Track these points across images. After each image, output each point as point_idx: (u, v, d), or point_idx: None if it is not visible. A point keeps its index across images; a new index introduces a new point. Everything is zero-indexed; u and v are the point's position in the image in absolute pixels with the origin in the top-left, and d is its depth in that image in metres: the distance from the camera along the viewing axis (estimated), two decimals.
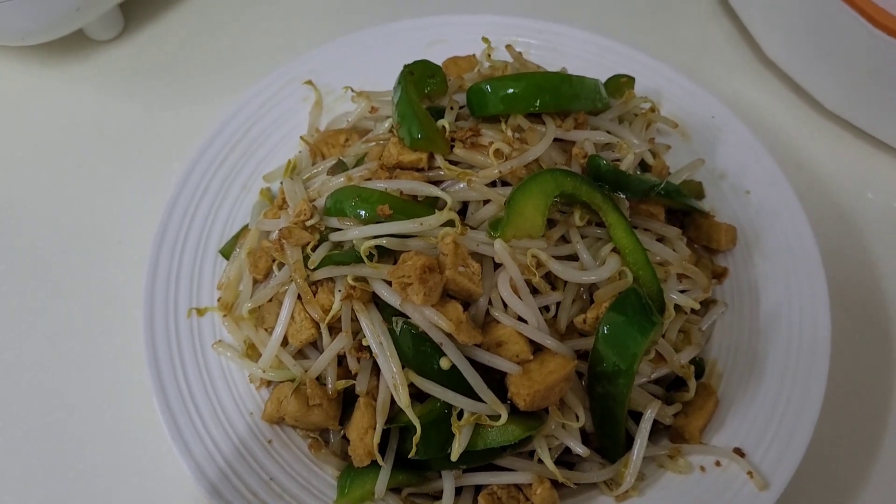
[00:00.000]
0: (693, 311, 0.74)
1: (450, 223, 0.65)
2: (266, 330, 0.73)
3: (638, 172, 0.80)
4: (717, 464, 0.69)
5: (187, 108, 1.00)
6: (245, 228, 0.79)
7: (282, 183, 0.77)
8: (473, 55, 0.87)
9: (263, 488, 0.67)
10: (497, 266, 0.66)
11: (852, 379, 0.81)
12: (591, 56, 0.91)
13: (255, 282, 0.76)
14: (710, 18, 1.05)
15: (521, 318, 0.65)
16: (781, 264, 0.77)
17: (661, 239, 0.75)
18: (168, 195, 0.79)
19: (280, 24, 1.09)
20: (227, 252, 0.78)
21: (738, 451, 0.69)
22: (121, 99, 1.01)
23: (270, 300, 0.73)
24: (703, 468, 0.69)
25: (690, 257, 0.76)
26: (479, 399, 0.63)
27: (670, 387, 0.74)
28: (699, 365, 0.74)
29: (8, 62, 1.04)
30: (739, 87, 0.99)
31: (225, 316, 0.75)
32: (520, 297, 0.65)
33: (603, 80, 0.86)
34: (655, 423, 0.69)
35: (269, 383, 0.72)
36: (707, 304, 0.78)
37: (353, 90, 0.84)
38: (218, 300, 0.76)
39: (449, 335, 0.62)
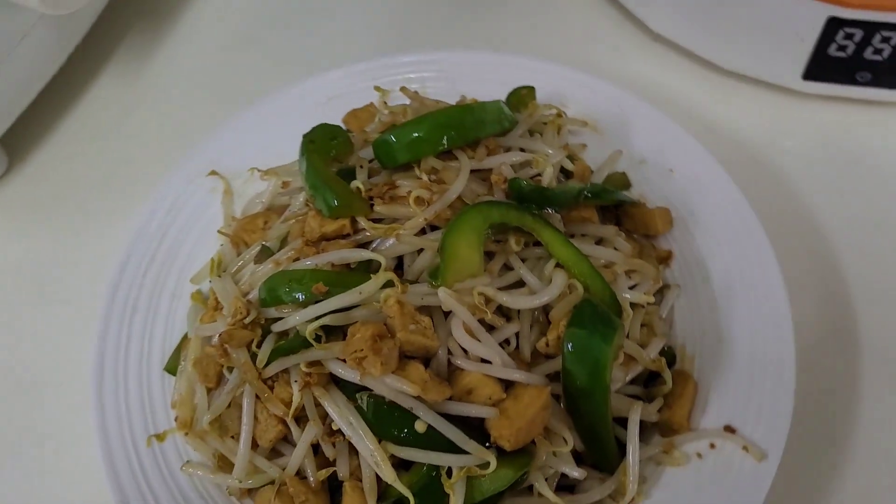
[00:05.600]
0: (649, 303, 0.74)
1: (389, 284, 0.64)
2: (233, 437, 0.70)
3: (562, 180, 0.80)
4: (712, 446, 0.68)
5: (96, 230, 0.95)
6: (185, 338, 0.76)
7: (210, 283, 0.75)
8: (372, 103, 0.86)
9: None
10: (448, 314, 0.65)
11: (816, 333, 0.82)
12: (488, 74, 0.90)
13: (209, 391, 0.72)
14: (593, 9, 1.06)
15: (484, 360, 0.64)
16: (722, 233, 0.77)
17: (600, 241, 0.74)
18: (97, 324, 0.76)
19: (169, 121, 1.05)
20: (172, 368, 0.75)
21: (729, 429, 0.68)
22: (23, 236, 0.97)
23: (229, 406, 0.70)
24: (699, 454, 0.68)
25: (633, 250, 0.76)
26: (465, 452, 0.61)
27: (647, 382, 0.73)
28: (669, 353, 0.74)
29: None
30: (635, 68, 1.00)
31: (187, 434, 0.71)
32: (477, 339, 0.63)
33: (504, 96, 0.86)
34: (642, 423, 0.69)
35: (249, 492, 0.69)
36: (662, 291, 0.77)
37: (258, 170, 0.82)
38: (175, 420, 0.72)
39: (417, 397, 0.61)
